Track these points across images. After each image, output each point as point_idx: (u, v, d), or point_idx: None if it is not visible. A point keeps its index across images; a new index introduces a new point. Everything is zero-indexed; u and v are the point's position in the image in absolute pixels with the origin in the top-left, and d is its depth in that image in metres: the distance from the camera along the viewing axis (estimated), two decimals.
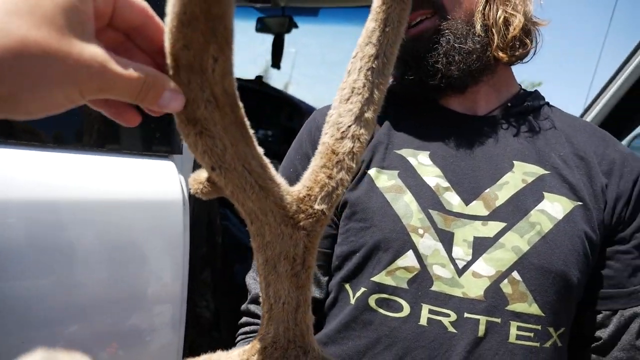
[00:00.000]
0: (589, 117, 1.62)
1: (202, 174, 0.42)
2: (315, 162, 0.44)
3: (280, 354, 0.47)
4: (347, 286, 0.74)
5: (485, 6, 0.75)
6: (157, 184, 0.87)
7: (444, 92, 0.80)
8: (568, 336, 0.75)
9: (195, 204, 0.98)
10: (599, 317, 0.75)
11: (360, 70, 0.43)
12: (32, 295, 0.71)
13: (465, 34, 0.75)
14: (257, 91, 3.12)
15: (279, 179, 0.42)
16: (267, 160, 0.40)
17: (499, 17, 0.74)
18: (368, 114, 0.43)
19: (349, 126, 0.43)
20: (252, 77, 3.32)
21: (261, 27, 3.07)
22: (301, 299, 0.47)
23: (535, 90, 0.87)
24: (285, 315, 0.46)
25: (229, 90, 0.34)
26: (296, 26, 3.04)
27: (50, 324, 0.73)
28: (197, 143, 0.37)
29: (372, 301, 0.71)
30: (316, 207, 0.44)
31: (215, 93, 0.33)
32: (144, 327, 0.83)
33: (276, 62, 3.13)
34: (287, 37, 3.13)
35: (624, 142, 1.90)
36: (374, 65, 0.42)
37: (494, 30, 0.75)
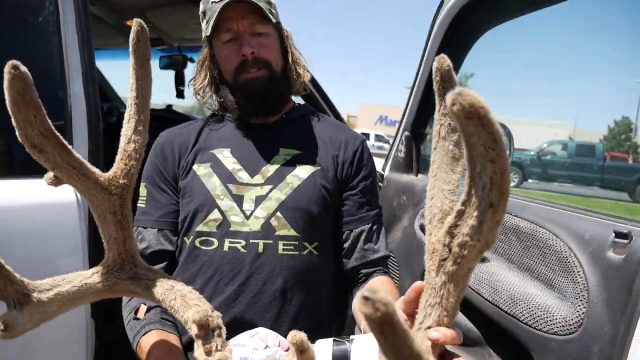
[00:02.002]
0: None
1: (50, 173, 0.77)
2: (117, 158, 0.81)
3: (119, 267, 0.83)
4: (185, 238, 1.13)
5: (290, 65, 1.23)
6: (57, 192, 1.14)
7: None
8: (328, 248, 1.19)
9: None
10: (344, 235, 1.20)
11: (131, 105, 0.80)
12: None
13: (283, 82, 1.21)
14: (167, 118, 3.48)
15: (94, 169, 0.78)
16: (83, 160, 0.76)
17: (297, 70, 1.23)
18: (140, 128, 0.80)
19: (131, 135, 0.80)
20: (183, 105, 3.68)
21: (164, 65, 3.44)
22: (126, 235, 0.83)
23: (305, 104, 1.38)
24: (117, 246, 0.82)
25: (48, 128, 0.69)
26: (192, 61, 3.42)
27: None
28: (40, 157, 0.72)
29: (197, 243, 1.10)
30: (121, 181, 0.80)
31: (40, 130, 0.69)
32: None
33: (180, 93, 3.52)
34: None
35: None
36: (137, 102, 0.79)
37: (295, 80, 1.23)
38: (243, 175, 1.14)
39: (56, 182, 0.77)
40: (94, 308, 1.19)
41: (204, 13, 1.16)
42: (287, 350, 0.80)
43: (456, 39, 1.84)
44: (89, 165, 0.77)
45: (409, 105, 2.02)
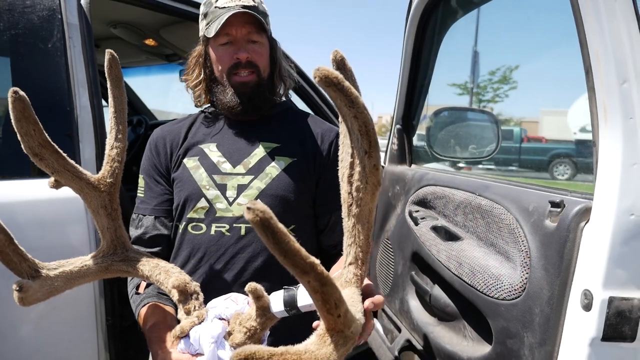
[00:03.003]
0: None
1: (52, 178, 0.96)
2: (104, 162, 0.99)
3: (112, 251, 1.00)
4: (178, 224, 1.29)
5: (278, 72, 1.39)
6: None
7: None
8: (305, 230, 1.32)
9: None
10: (324, 220, 1.34)
11: (111, 118, 0.99)
12: None
13: (269, 88, 1.36)
14: None
15: (85, 172, 0.96)
16: (75, 164, 0.94)
17: (282, 78, 1.39)
18: (119, 136, 0.99)
19: (113, 143, 0.99)
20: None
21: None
22: (116, 225, 1.01)
23: (285, 101, 1.50)
24: (110, 234, 1.00)
25: (45, 139, 0.88)
26: None
27: None
28: (41, 164, 0.91)
29: (188, 228, 1.26)
30: (108, 180, 0.99)
31: (39, 142, 0.88)
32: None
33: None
34: None
35: None
36: (115, 115, 0.98)
37: (281, 89, 1.40)
38: (226, 166, 1.30)
39: (57, 185, 0.95)
40: (107, 288, 1.38)
41: (206, 15, 1.32)
42: None
43: (428, 31, 1.90)
44: (81, 168, 0.95)
45: (397, 100, 2.09)
